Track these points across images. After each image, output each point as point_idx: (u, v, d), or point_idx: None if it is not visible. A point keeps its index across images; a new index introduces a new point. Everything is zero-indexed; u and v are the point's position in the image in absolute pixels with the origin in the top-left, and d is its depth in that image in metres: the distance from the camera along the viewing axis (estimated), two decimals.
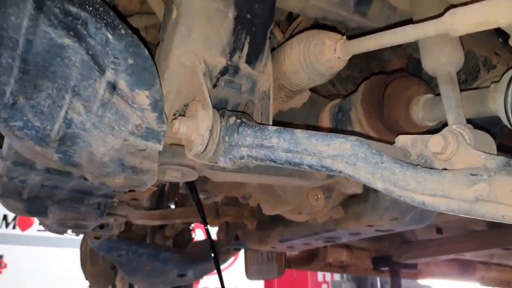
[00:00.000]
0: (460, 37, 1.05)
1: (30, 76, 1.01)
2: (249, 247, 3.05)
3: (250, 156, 1.08)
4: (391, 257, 3.71)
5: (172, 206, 3.38)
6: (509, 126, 1.03)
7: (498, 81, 1.06)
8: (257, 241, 2.82)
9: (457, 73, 1.12)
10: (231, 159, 1.12)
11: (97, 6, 0.94)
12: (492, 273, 3.91)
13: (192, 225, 3.53)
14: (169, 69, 1.12)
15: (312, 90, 1.53)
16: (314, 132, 1.00)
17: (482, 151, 0.89)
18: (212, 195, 2.43)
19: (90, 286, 3.57)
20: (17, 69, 0.99)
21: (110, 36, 0.94)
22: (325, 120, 1.49)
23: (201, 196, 2.52)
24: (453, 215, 0.85)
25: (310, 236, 2.42)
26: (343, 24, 1.41)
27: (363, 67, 1.86)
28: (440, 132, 0.96)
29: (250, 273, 3.62)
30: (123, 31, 0.95)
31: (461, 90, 1.11)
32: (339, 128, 1.45)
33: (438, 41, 1.10)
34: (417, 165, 0.93)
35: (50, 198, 1.65)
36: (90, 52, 0.96)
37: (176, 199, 3.35)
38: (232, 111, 1.17)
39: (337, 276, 9.09)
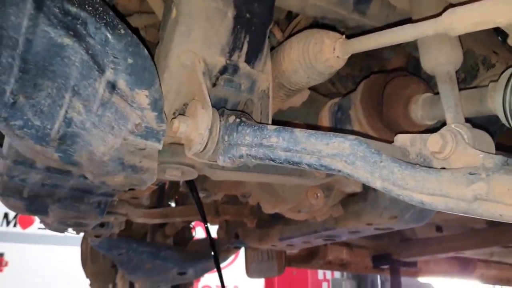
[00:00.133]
0: (459, 36, 1.05)
1: (30, 75, 1.01)
2: (249, 245, 3.06)
3: (249, 155, 1.08)
4: (391, 255, 3.71)
5: (173, 205, 3.38)
6: (507, 125, 1.03)
7: (497, 80, 1.06)
8: (257, 239, 2.82)
9: (456, 72, 1.12)
10: (230, 158, 1.12)
11: (97, 6, 0.94)
12: (492, 271, 3.91)
13: (193, 223, 3.53)
14: (168, 68, 1.13)
15: (312, 88, 1.53)
16: (313, 131, 1.01)
17: (480, 150, 0.90)
18: (212, 193, 2.44)
19: (90, 285, 3.57)
20: (17, 69, 0.99)
21: (109, 36, 0.94)
22: (325, 119, 1.49)
23: (201, 195, 2.52)
24: (452, 213, 0.85)
25: (309, 235, 2.43)
26: (343, 23, 1.41)
27: (362, 66, 1.86)
28: (439, 131, 0.96)
29: (251, 271, 3.62)
30: (122, 31, 0.96)
31: (460, 89, 1.11)
32: (339, 127, 1.45)
33: (437, 40, 1.10)
34: (416, 164, 0.93)
35: (50, 197, 1.65)
36: (90, 52, 0.97)
37: (177, 197, 3.35)
38: (232, 110, 1.18)
39: (337, 274, 9.10)
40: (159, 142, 1.09)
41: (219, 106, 1.20)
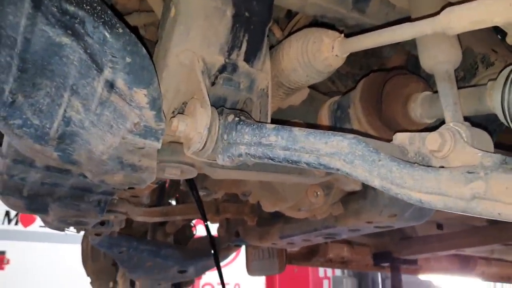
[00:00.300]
0: (458, 34, 1.05)
1: (29, 74, 1.01)
2: (250, 243, 3.06)
3: (248, 154, 1.09)
4: (391, 252, 3.72)
5: (173, 203, 3.39)
6: (506, 123, 1.03)
7: (495, 79, 1.06)
8: (258, 237, 2.83)
9: (455, 70, 1.12)
10: (229, 157, 1.12)
11: (95, 5, 0.94)
12: (493, 268, 3.92)
13: (193, 221, 3.54)
14: (167, 67, 1.13)
15: (311, 87, 1.53)
16: (311, 130, 1.01)
17: (479, 149, 0.89)
18: (212, 192, 2.44)
19: (91, 283, 3.58)
20: (15, 68, 0.99)
21: (107, 35, 0.94)
22: (324, 117, 1.49)
23: (201, 193, 2.52)
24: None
25: (310, 233, 2.43)
26: (342, 22, 1.41)
27: (362, 64, 1.86)
28: (437, 130, 0.96)
29: (251, 269, 3.63)
30: (120, 30, 0.96)
31: (459, 88, 1.11)
32: (338, 125, 1.45)
33: (436, 39, 1.10)
34: (415, 162, 0.93)
35: (50, 196, 1.66)
36: (88, 51, 0.96)
37: (177, 195, 3.35)
38: (231, 109, 1.18)
39: (338, 272, 9.11)
40: (158, 141, 1.09)
41: (218, 105, 1.20)
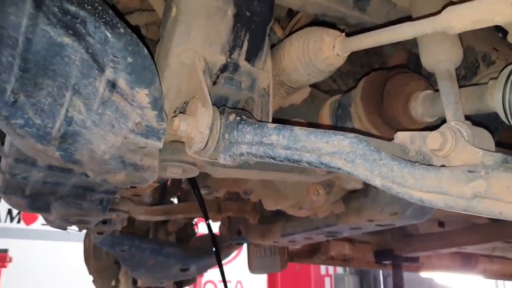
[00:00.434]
0: (459, 33, 1.05)
1: (31, 74, 1.01)
2: (251, 241, 3.06)
3: (250, 153, 1.09)
4: (393, 250, 3.72)
5: (175, 201, 3.39)
6: (507, 122, 1.03)
7: (497, 77, 1.06)
8: (259, 235, 2.83)
9: (457, 68, 1.12)
10: (231, 156, 1.12)
11: (96, 5, 0.94)
12: (495, 266, 3.92)
13: (195, 220, 3.54)
14: (168, 67, 1.13)
15: (313, 85, 1.53)
16: (313, 129, 1.01)
17: (480, 148, 0.90)
18: (213, 190, 2.44)
19: (94, 281, 3.59)
20: (17, 68, 0.99)
21: (109, 35, 0.94)
22: (325, 116, 1.50)
23: (203, 192, 2.52)
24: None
25: (311, 231, 2.43)
26: (343, 20, 1.41)
27: (363, 62, 1.86)
28: (439, 129, 0.96)
29: (253, 267, 3.63)
30: (122, 30, 0.96)
31: (460, 86, 1.11)
32: (339, 124, 1.45)
33: (437, 38, 1.10)
34: (416, 162, 0.93)
35: (52, 194, 1.66)
36: (90, 51, 0.97)
37: (179, 194, 3.36)
38: (232, 108, 1.18)
39: (339, 269, 9.13)
40: (160, 140, 1.10)
41: (220, 104, 1.20)
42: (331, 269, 9.15)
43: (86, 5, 0.93)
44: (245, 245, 3.63)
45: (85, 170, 1.28)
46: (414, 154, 1.00)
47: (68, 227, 2.10)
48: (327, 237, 2.62)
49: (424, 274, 4.91)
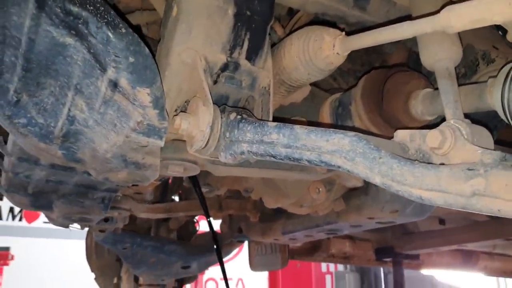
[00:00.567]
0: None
1: (33, 74, 1.02)
2: (252, 239, 3.07)
3: (251, 151, 1.10)
4: (393, 248, 3.73)
5: (176, 199, 3.40)
6: (506, 120, 1.04)
7: (496, 76, 1.07)
8: (260, 233, 2.84)
9: (456, 67, 1.12)
10: (231, 155, 1.13)
11: (98, 5, 0.95)
12: (495, 263, 3.93)
13: (196, 217, 3.55)
14: (170, 66, 1.13)
15: (313, 84, 1.53)
16: (313, 128, 1.01)
17: (479, 146, 0.90)
18: (214, 188, 2.45)
19: (96, 278, 3.60)
20: (20, 67, 1.00)
21: (111, 35, 0.95)
22: (325, 114, 1.50)
23: (204, 190, 2.53)
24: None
25: (312, 229, 2.44)
26: (343, 19, 1.41)
27: (364, 61, 1.86)
28: (438, 127, 0.97)
29: (254, 265, 3.64)
30: (123, 30, 0.96)
31: (460, 85, 1.11)
32: (339, 122, 1.46)
33: (436, 36, 1.11)
34: (415, 160, 0.94)
35: (55, 193, 1.67)
36: (92, 51, 0.97)
37: (180, 192, 3.37)
38: (233, 107, 1.19)
39: (340, 267, 9.14)
40: (161, 139, 1.10)
41: (220, 103, 1.21)
42: (332, 266, 9.16)
43: (88, 6, 0.94)
44: (246, 243, 3.64)
45: (87, 169, 1.29)
46: (413, 152, 1.01)
47: (70, 225, 2.11)
48: (327, 234, 2.63)
49: (424, 271, 4.91)
